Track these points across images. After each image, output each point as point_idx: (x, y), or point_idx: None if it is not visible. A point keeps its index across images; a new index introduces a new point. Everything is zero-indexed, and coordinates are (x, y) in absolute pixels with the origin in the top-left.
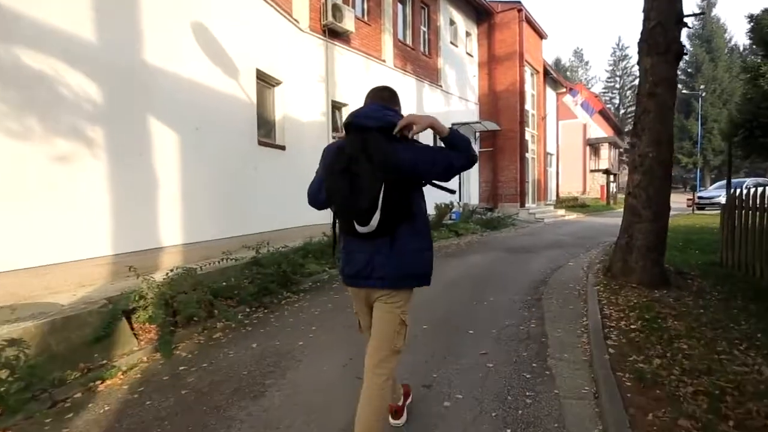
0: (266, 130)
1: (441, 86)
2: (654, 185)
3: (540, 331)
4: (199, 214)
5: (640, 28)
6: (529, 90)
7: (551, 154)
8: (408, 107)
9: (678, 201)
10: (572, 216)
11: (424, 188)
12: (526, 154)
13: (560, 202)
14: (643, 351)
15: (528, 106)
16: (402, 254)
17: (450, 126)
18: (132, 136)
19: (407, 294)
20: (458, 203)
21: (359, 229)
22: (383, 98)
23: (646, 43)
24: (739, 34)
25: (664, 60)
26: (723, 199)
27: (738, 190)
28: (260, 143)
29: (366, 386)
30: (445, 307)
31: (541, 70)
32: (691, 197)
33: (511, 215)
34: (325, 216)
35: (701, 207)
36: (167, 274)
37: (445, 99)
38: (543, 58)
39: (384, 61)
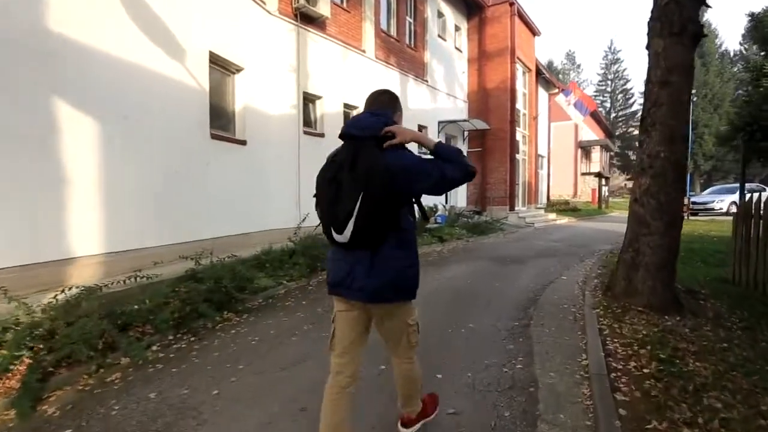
0: (222, 122)
1: (427, 81)
2: (666, 191)
3: (528, 374)
4: (127, 217)
5: (650, 6)
6: (521, 88)
7: (542, 156)
8: None
9: None
10: (564, 220)
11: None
12: (517, 155)
13: (551, 206)
14: (665, 412)
15: (519, 105)
16: (383, 268)
17: (438, 122)
18: (32, 120)
19: (404, 304)
20: (444, 206)
21: (336, 237)
22: (381, 103)
23: (657, 22)
24: (729, 40)
25: (678, 42)
26: (717, 205)
27: (753, 195)
28: (214, 137)
29: (399, 372)
30: None
31: (533, 68)
32: (693, 203)
33: (500, 219)
34: (290, 220)
35: (694, 213)
36: (55, 296)
37: (431, 95)
38: (535, 56)
39: (364, 51)
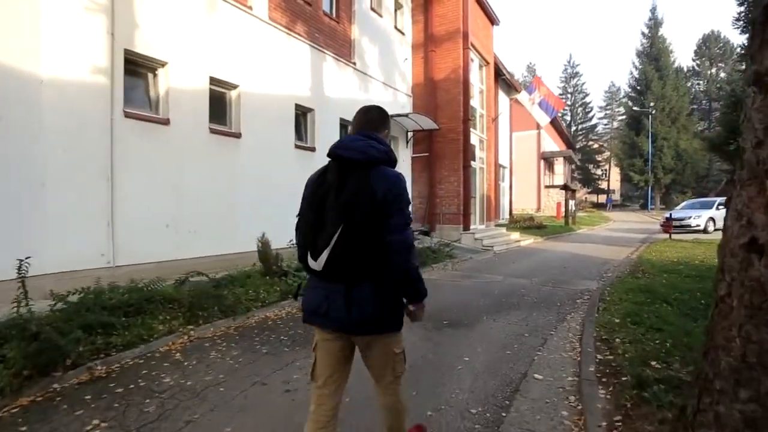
0: None
1: (355, 64)
2: None
3: None
4: None
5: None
6: (477, 83)
7: (504, 167)
8: (299, 84)
9: (633, 220)
10: (528, 240)
11: None
12: (473, 163)
13: (514, 223)
14: None
15: (476, 103)
16: (362, 301)
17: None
18: None
19: (390, 334)
20: None
21: (311, 263)
22: (370, 121)
23: None
24: (681, 57)
25: None
26: (694, 221)
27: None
28: None
29: (383, 404)
30: None
31: (491, 61)
32: (669, 219)
33: (451, 242)
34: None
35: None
36: None
37: (361, 82)
38: (494, 50)
39: (250, 8)
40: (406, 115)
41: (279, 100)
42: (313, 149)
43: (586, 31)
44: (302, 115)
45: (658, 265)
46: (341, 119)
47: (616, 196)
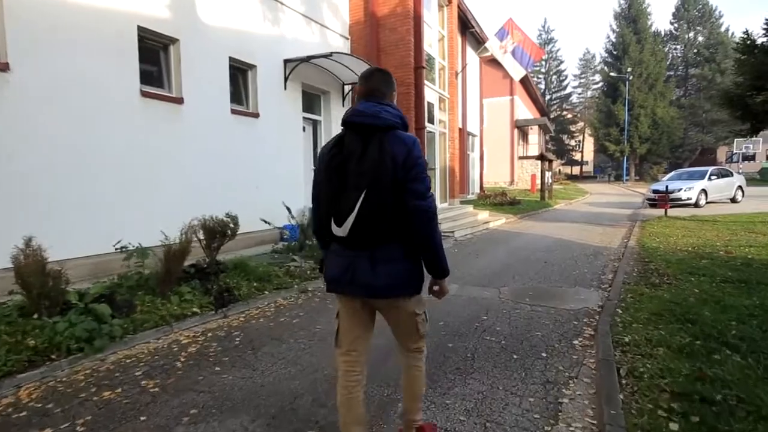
0: None
1: None
2: None
3: None
4: None
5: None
6: (436, 26)
7: (473, 135)
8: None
9: (610, 192)
10: (499, 221)
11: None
12: (429, 126)
13: (484, 198)
14: None
15: (435, 52)
16: (386, 264)
17: (284, 60)
18: None
19: (411, 296)
20: (290, 216)
21: (335, 230)
22: (375, 87)
23: None
24: (659, 20)
25: None
26: (684, 194)
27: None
28: None
29: (407, 366)
30: None
31: (453, 1)
32: (660, 192)
33: None
34: None
35: (653, 204)
36: None
37: (269, 11)
38: None
39: None
40: (328, 56)
41: (106, 17)
42: (179, 100)
43: None
44: (159, 47)
45: (672, 258)
46: (231, 59)
47: (589, 167)
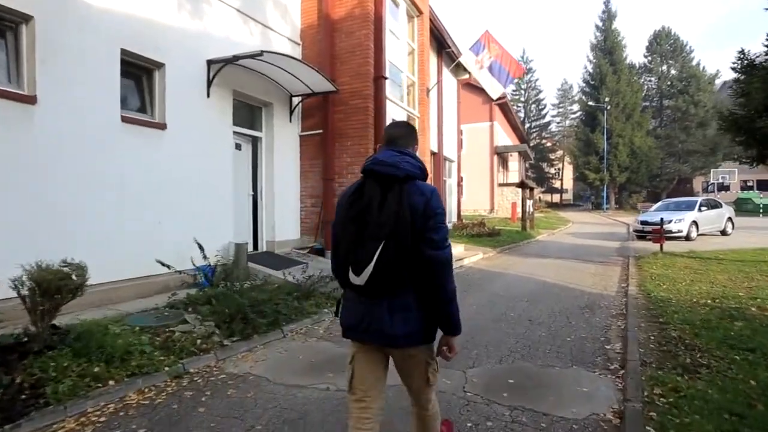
0: None
1: None
2: None
3: None
4: None
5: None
6: (405, 37)
7: (450, 160)
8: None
9: (593, 221)
10: (476, 257)
11: None
12: None
13: (461, 229)
14: None
15: (404, 67)
16: (403, 314)
17: (206, 61)
18: None
19: (425, 346)
20: (203, 256)
21: (352, 279)
22: (400, 136)
23: None
24: (633, 53)
25: None
26: (675, 226)
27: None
28: None
29: (417, 416)
30: None
31: (425, 11)
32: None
33: None
34: None
35: (642, 237)
36: None
37: (206, 7)
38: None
39: None
40: (258, 55)
41: None
42: (30, 99)
43: (540, 27)
44: (5, 27)
45: (694, 318)
46: (125, 52)
47: (568, 195)
